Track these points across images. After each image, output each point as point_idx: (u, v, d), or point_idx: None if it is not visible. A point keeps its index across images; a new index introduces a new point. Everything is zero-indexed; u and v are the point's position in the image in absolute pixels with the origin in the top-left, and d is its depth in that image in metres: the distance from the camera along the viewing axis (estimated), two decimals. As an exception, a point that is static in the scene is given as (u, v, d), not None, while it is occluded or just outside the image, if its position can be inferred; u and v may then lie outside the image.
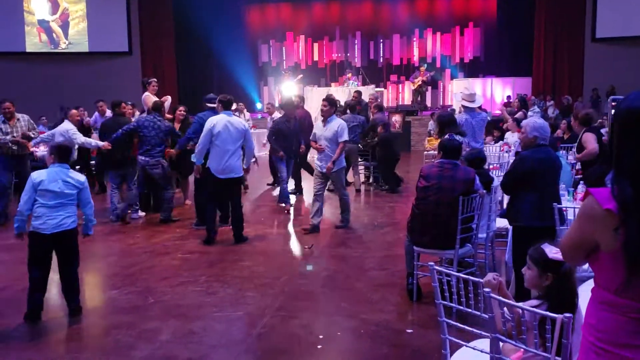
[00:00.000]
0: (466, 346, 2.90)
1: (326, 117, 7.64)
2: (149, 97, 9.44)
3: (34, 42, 20.65)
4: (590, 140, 6.94)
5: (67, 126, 8.53)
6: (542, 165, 4.56)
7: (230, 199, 7.35)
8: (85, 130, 11.06)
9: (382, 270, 6.10)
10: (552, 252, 2.62)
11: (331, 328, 4.62)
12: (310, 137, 8.02)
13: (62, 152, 5.04)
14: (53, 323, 4.84)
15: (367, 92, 17.95)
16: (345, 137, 7.53)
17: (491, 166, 7.73)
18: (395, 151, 10.80)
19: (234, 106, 11.89)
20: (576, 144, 7.50)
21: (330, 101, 7.74)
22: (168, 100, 9.59)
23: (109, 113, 10.32)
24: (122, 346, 4.33)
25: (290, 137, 9.00)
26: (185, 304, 5.20)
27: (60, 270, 5.04)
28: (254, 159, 8.31)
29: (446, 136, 5.82)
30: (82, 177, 5.03)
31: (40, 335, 4.56)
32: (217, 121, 7.05)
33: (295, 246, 7.20)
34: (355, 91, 12.38)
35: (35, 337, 4.53)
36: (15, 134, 8.59)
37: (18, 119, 8.69)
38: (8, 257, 6.83)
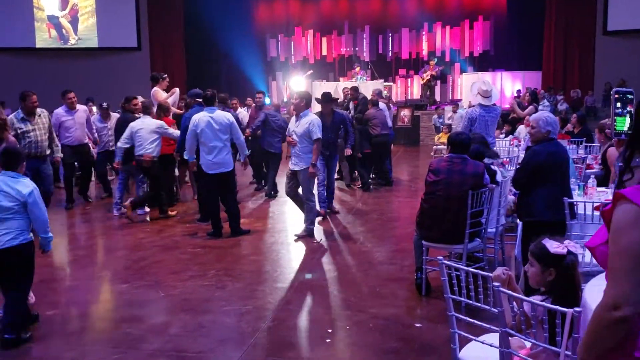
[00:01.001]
0: (475, 340, 2.90)
1: (298, 112, 7.14)
2: (158, 92, 9.47)
3: (44, 37, 20.75)
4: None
5: (154, 122, 8.11)
6: (554, 159, 4.54)
7: (222, 194, 7.31)
8: None
9: (391, 264, 6.10)
10: (554, 246, 2.60)
11: (340, 322, 4.62)
12: (286, 132, 7.57)
13: (8, 158, 4.33)
14: (61, 316, 4.88)
15: (375, 86, 17.95)
16: (318, 134, 6.94)
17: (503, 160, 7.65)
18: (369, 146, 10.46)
19: (248, 101, 11.87)
20: (600, 155, 7.44)
21: (302, 96, 7.25)
22: (176, 92, 9.59)
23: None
24: (132, 339, 4.36)
25: (327, 134, 7.94)
26: (194, 298, 5.22)
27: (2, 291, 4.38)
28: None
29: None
30: (26, 188, 4.26)
31: (49, 328, 4.59)
32: (198, 119, 7.10)
33: (303, 240, 7.21)
34: (351, 87, 12.18)
35: (45, 329, 4.56)
36: (38, 132, 7.59)
37: (39, 115, 7.69)
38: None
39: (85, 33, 20.80)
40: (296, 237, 7.13)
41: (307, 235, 7.16)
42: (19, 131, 7.39)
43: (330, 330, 4.45)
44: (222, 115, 7.21)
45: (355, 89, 11.74)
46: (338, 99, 9.18)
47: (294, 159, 7.14)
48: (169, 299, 5.22)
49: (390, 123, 10.85)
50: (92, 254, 6.93)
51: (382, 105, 10.79)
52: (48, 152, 7.81)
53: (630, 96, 4.18)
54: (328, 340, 4.29)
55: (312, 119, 7.02)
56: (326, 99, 8.47)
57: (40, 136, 7.59)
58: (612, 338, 1.61)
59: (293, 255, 6.56)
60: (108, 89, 16.66)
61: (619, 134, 4.34)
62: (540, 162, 4.54)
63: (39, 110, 7.70)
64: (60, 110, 9.12)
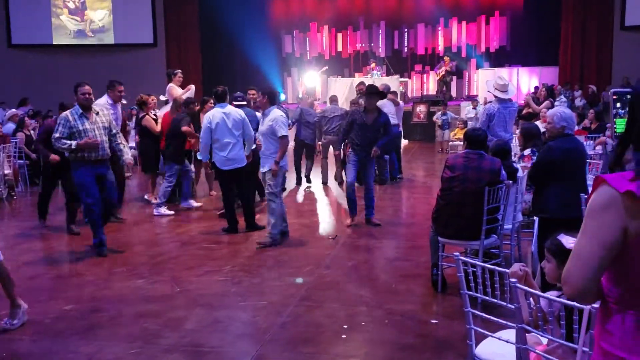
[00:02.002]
0: (492, 336, 2.89)
1: (263, 110, 6.84)
2: (174, 88, 9.51)
3: (60, 34, 20.92)
4: None
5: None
6: (569, 155, 4.50)
7: (238, 189, 7.34)
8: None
9: (406, 261, 6.09)
10: (569, 242, 2.58)
11: (356, 318, 4.62)
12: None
13: None
14: (79, 311, 4.93)
15: (392, 82, 17.89)
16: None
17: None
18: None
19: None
20: None
21: (265, 92, 6.88)
22: (192, 89, 9.63)
23: None
24: (149, 334, 4.39)
25: (364, 132, 7.27)
26: (210, 293, 5.25)
27: None
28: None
29: (528, 150, 5.89)
30: None
31: (66, 324, 4.64)
32: (212, 115, 7.11)
33: (319, 236, 7.21)
34: (360, 82, 12.13)
35: (64, 325, 4.61)
36: (97, 133, 6.39)
37: (97, 112, 6.58)
38: (39, 246, 6.95)
39: (102, 29, 20.95)
40: (259, 246, 6.62)
41: (270, 244, 6.63)
42: (73, 130, 6.30)
43: (346, 326, 4.45)
44: (235, 112, 7.22)
45: (362, 84, 11.63)
46: (388, 92, 8.94)
47: (261, 161, 6.82)
48: (185, 294, 5.25)
49: (395, 119, 10.59)
50: (108, 249, 6.99)
51: (384, 101, 10.50)
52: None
53: (630, 97, 4.13)
54: (344, 336, 4.30)
55: (275, 115, 6.57)
56: (372, 91, 7.43)
57: (101, 136, 6.44)
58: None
59: (309, 251, 6.56)
60: (125, 85, 16.75)
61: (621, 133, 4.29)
62: (554, 159, 4.49)
63: (95, 106, 6.76)
64: (103, 100, 8.16)
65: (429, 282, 5.27)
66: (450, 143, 14.71)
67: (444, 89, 19.72)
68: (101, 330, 4.52)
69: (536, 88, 18.74)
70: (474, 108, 16.01)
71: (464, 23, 22.56)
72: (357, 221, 7.67)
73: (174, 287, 5.43)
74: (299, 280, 5.60)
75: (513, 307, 2.52)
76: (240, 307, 4.93)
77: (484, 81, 14.76)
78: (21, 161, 10.91)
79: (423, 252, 5.97)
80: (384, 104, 10.32)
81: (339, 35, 23.29)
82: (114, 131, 6.63)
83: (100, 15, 20.94)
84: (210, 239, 7.07)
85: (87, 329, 4.53)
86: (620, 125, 4.20)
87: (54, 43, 20.80)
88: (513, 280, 2.46)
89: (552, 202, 4.49)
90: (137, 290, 5.43)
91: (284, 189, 8.78)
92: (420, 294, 5.11)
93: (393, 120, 10.43)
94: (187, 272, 5.85)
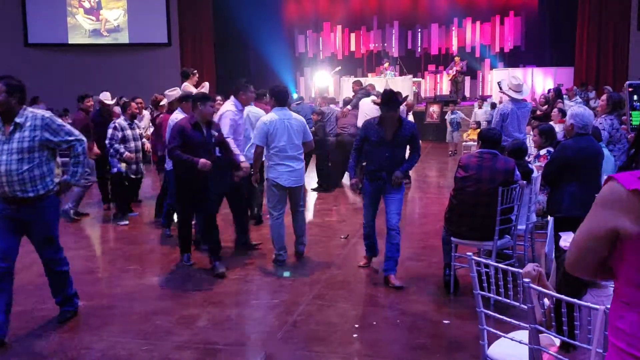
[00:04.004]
0: (504, 337, 2.87)
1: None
2: (188, 87, 9.53)
3: (76, 33, 21.08)
4: None
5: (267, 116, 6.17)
6: (582, 155, 4.47)
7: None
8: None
9: (419, 261, 6.07)
10: (567, 240, 2.55)
11: (367, 317, 4.62)
12: None
13: None
14: (92, 307, 4.96)
15: (404, 82, 17.84)
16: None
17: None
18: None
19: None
20: None
21: (270, 91, 6.28)
22: (205, 87, 9.64)
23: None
24: (161, 331, 4.41)
25: (382, 152, 5.38)
26: (223, 291, 5.26)
27: None
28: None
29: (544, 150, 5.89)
30: None
31: (79, 320, 4.67)
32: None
33: (331, 236, 7.21)
34: (355, 81, 12.00)
35: (76, 321, 4.64)
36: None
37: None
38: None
39: (117, 29, 21.08)
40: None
41: (276, 262, 6.02)
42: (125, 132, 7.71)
43: (357, 326, 4.45)
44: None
45: (358, 83, 11.54)
46: (406, 96, 8.09)
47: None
48: (197, 292, 5.27)
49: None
50: (122, 247, 7.03)
51: (369, 102, 9.94)
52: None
53: None
54: (355, 336, 4.30)
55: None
56: (390, 98, 5.37)
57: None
58: None
59: (321, 250, 6.56)
60: (138, 85, 16.84)
61: (637, 129, 4.25)
62: (568, 157, 4.48)
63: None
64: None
65: (441, 282, 5.25)
66: (464, 144, 14.65)
67: (456, 89, 19.63)
68: (113, 326, 4.55)
69: (549, 90, 18.64)
70: (480, 107, 15.92)
71: (478, 23, 22.44)
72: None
73: (187, 285, 5.45)
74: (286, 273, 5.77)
75: (526, 307, 2.50)
76: (253, 306, 4.95)
77: (495, 81, 14.66)
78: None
79: (436, 252, 5.95)
80: (367, 104, 9.82)
81: (352, 35, 23.25)
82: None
83: (115, 15, 21.07)
84: (224, 238, 7.07)
85: (99, 326, 4.56)
86: (636, 117, 4.15)
87: (69, 42, 20.95)
88: (527, 280, 2.44)
89: (565, 201, 4.48)
90: (150, 288, 5.45)
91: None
92: (432, 295, 5.09)
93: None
94: (200, 270, 5.87)
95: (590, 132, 4.66)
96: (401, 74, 19.49)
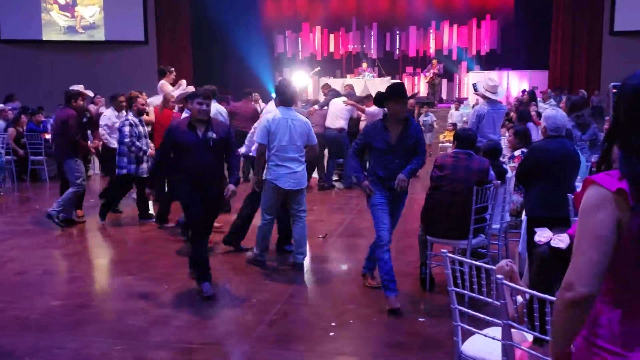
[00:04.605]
0: (478, 333, 2.90)
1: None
2: (165, 85, 9.46)
3: (50, 30, 20.79)
4: None
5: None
6: (551, 156, 4.55)
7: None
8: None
9: (395, 259, 6.02)
10: (541, 236, 2.58)
11: (344, 316, 4.63)
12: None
13: None
14: (66, 307, 4.90)
15: (382, 84, 17.92)
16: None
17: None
18: None
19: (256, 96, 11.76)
20: None
21: (275, 90, 6.18)
22: (182, 85, 9.58)
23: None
24: (137, 331, 4.38)
25: (389, 158, 4.91)
26: (198, 289, 5.23)
27: None
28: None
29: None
30: None
31: (53, 320, 4.61)
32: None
33: (309, 235, 7.20)
34: (324, 85, 12.07)
35: (51, 321, 4.59)
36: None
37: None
38: (27, 242, 6.92)
39: (92, 26, 20.84)
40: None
41: (252, 262, 5.95)
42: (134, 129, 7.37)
43: (334, 324, 4.46)
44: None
45: (327, 86, 11.60)
46: (415, 93, 7.90)
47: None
48: (173, 291, 5.24)
49: (333, 123, 10.01)
50: (96, 246, 6.97)
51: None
52: None
53: (616, 92, 4.17)
54: (332, 334, 4.31)
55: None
56: (396, 90, 4.88)
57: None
58: (569, 321, 1.64)
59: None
60: (114, 82, 16.67)
61: (608, 128, 4.34)
62: (537, 159, 4.59)
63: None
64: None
65: (417, 280, 5.29)
66: (441, 144, 14.76)
67: (432, 91, 19.79)
68: (88, 326, 4.50)
69: (523, 92, 18.89)
70: (457, 110, 16.06)
71: (455, 26, 22.64)
72: (349, 221, 7.65)
73: (162, 285, 5.41)
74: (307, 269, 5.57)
75: (499, 303, 2.54)
76: (229, 305, 4.93)
77: (470, 83, 14.81)
78: (9, 157, 10.83)
79: (412, 251, 5.99)
80: (336, 104, 9.74)
81: (331, 36, 23.30)
82: None
83: (91, 11, 20.82)
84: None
85: (74, 325, 4.51)
86: None
87: (43, 39, 20.65)
88: (499, 276, 2.48)
89: (533, 201, 4.59)
90: (125, 287, 5.41)
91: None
92: (408, 293, 5.12)
93: (338, 122, 9.97)
94: (176, 269, 5.83)
95: (563, 134, 4.74)
96: (379, 75, 19.58)
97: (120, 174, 7.53)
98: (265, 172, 5.70)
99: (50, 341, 4.22)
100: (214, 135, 5.06)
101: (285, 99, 5.71)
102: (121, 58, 20.32)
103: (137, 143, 7.30)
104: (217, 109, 6.93)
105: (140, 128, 7.47)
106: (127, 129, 7.32)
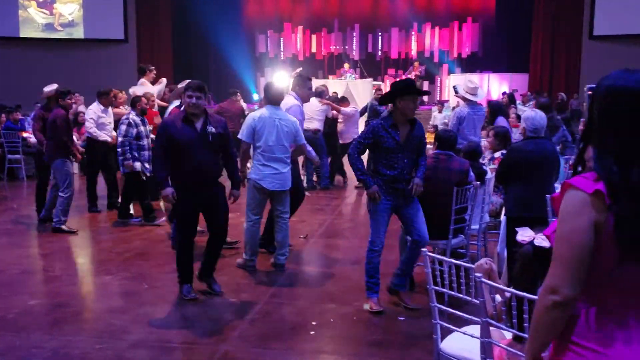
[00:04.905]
0: (457, 331, 2.93)
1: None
2: (145, 84, 9.40)
3: (28, 27, 20.53)
4: None
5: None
6: (528, 157, 4.61)
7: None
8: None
9: (375, 260, 6.12)
10: (523, 235, 2.62)
11: (324, 315, 4.65)
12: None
13: None
14: (45, 306, 4.86)
15: (364, 85, 17.99)
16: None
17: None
18: None
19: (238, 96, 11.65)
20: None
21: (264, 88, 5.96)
22: (163, 82, 9.52)
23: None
24: (116, 330, 4.35)
25: (398, 158, 4.69)
26: (178, 290, 5.20)
27: None
28: None
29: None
30: None
31: (30, 319, 4.57)
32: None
33: (290, 235, 7.21)
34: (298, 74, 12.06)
35: (29, 320, 4.54)
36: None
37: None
38: (4, 241, 6.84)
39: (71, 23, 20.62)
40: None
41: (242, 266, 5.79)
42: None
43: (314, 323, 4.47)
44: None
45: (303, 76, 11.52)
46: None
47: None
48: (153, 291, 5.21)
49: (308, 125, 9.48)
50: (75, 246, 6.90)
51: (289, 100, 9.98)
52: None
53: (590, 93, 4.25)
54: (312, 333, 4.32)
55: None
56: (405, 85, 4.74)
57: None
58: (552, 322, 1.67)
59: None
60: (94, 80, 16.51)
61: (583, 131, 4.41)
62: (513, 159, 4.66)
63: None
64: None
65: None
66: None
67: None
68: (67, 325, 4.46)
69: (504, 94, 19.08)
70: (440, 112, 16.18)
71: (437, 28, 22.81)
72: (330, 222, 7.66)
73: (142, 284, 5.38)
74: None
75: (478, 301, 2.57)
76: (209, 304, 4.91)
77: (451, 85, 14.92)
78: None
79: (392, 251, 6.00)
80: (310, 104, 9.04)
81: (314, 37, 23.33)
82: None
83: (70, 9, 20.59)
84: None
85: (52, 324, 4.47)
86: None
87: (21, 36, 20.37)
88: (478, 274, 2.51)
89: (512, 201, 4.65)
90: (104, 287, 5.37)
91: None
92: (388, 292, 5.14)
93: (313, 124, 9.67)
94: (156, 269, 5.81)
95: (542, 135, 4.80)
96: (361, 77, 19.66)
97: (125, 172, 7.48)
98: (249, 170, 5.66)
99: (27, 340, 4.17)
100: (214, 130, 4.75)
101: (273, 97, 5.59)
102: (101, 56, 20.12)
103: (127, 146, 7.25)
104: None
105: (142, 127, 7.41)
106: (123, 127, 7.27)
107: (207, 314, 4.71)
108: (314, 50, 23.37)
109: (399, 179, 4.64)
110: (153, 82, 9.63)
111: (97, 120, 8.16)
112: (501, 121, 7.56)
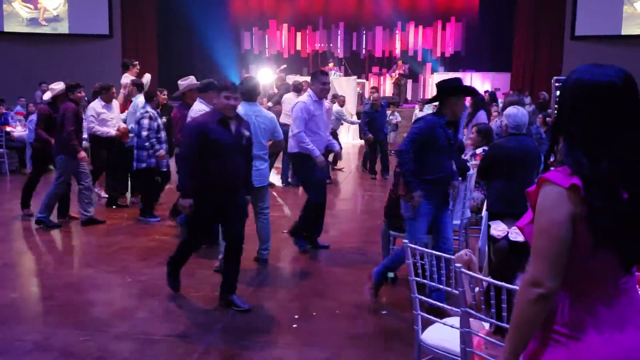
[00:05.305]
0: (438, 322, 2.99)
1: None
2: (128, 79, 9.36)
3: (12, 21, 20.34)
4: None
5: None
6: (509, 154, 4.68)
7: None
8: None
9: (359, 254, 6.18)
10: (497, 229, 2.68)
11: (307, 308, 4.68)
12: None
13: None
14: (27, 299, 4.84)
15: (349, 83, 18.04)
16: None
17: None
18: None
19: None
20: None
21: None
22: (147, 77, 9.48)
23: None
24: (99, 323, 4.35)
25: (447, 159, 4.67)
26: (162, 283, 5.19)
27: None
28: None
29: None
30: None
31: (12, 312, 4.55)
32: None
33: (274, 230, 7.24)
34: (276, 78, 12.13)
35: (10, 313, 4.52)
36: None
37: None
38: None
39: (56, 18, 20.45)
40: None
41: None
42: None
43: (297, 317, 4.51)
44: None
45: (280, 79, 11.85)
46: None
47: None
48: (136, 284, 5.22)
49: (287, 120, 9.30)
50: (57, 240, 6.87)
51: (290, 95, 9.95)
52: None
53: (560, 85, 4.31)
54: (295, 326, 4.35)
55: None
56: (460, 89, 4.66)
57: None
58: (535, 315, 1.70)
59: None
60: (78, 76, 16.39)
61: (553, 122, 4.48)
62: (494, 156, 4.72)
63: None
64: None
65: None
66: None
67: (398, 91, 20.01)
68: (49, 318, 4.46)
69: (486, 92, 19.24)
70: (421, 110, 16.29)
71: (420, 27, 22.93)
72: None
73: (125, 278, 5.38)
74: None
75: (457, 292, 2.62)
76: (193, 298, 4.93)
77: (434, 83, 15.02)
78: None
79: (375, 246, 6.07)
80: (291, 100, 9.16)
81: (298, 35, 23.34)
82: None
83: (54, 4, 20.42)
84: (163, 231, 7.01)
85: (34, 317, 4.47)
86: None
87: (5, 30, 20.17)
88: (458, 265, 2.56)
89: (493, 197, 4.72)
90: (87, 280, 5.36)
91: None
92: (371, 286, 5.19)
93: (290, 119, 9.54)
94: (138, 263, 5.81)
95: (523, 132, 4.87)
96: (346, 74, 19.71)
97: (139, 168, 7.37)
98: None
99: (9, 333, 4.16)
100: (247, 133, 4.59)
101: (249, 94, 5.50)
102: (85, 52, 19.98)
103: (153, 139, 7.18)
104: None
105: (160, 121, 7.38)
106: (145, 121, 7.18)
107: (190, 307, 4.73)
108: (298, 47, 23.39)
109: (443, 181, 4.53)
110: (138, 78, 9.58)
111: (98, 117, 7.98)
112: (482, 115, 7.67)
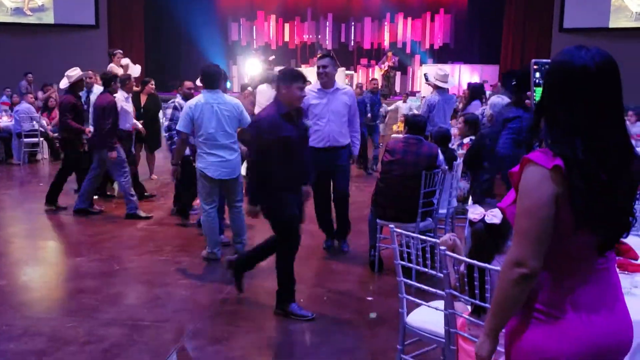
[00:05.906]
0: (423, 304, 3.04)
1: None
2: (114, 69, 9.34)
3: (-3, 11, 20.12)
4: None
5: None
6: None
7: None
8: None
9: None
10: (475, 212, 2.72)
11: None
12: None
13: None
14: (16, 285, 4.85)
15: (337, 75, 18.03)
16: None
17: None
18: None
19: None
20: None
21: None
22: (137, 69, 9.44)
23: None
24: (87, 309, 4.37)
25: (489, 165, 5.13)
26: (150, 271, 5.25)
27: None
28: None
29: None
30: None
31: (2, 299, 4.56)
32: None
33: (263, 220, 7.26)
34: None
35: (0, 300, 4.54)
36: None
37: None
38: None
39: (41, 8, 20.24)
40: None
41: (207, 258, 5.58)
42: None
43: (284, 303, 4.54)
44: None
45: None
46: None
47: None
48: (124, 272, 5.24)
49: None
50: (45, 229, 6.86)
51: (263, 87, 9.62)
52: None
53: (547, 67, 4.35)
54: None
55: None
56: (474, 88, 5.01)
57: None
58: (517, 294, 1.73)
59: (251, 234, 6.59)
60: (64, 66, 16.27)
61: (536, 104, 4.52)
62: (481, 145, 4.75)
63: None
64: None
65: (366, 263, 5.42)
66: (394, 136, 15.00)
67: (387, 83, 20.04)
68: (38, 304, 4.48)
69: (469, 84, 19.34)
70: (405, 102, 16.32)
71: (409, 19, 22.93)
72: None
73: (114, 265, 5.40)
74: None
75: (442, 274, 2.67)
76: (181, 285, 4.96)
77: (422, 74, 15.10)
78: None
79: (362, 235, 6.10)
80: (264, 93, 9.01)
81: (286, 26, 23.26)
82: None
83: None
84: (151, 220, 7.02)
85: (23, 304, 4.48)
86: (538, 93, 4.38)
87: (-12, 21, 19.96)
88: (442, 248, 2.61)
89: (478, 186, 4.76)
90: (75, 267, 5.37)
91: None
92: (358, 274, 5.26)
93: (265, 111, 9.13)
94: (127, 251, 5.83)
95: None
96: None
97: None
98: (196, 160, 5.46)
99: (-2, 320, 4.18)
100: (309, 123, 4.38)
101: (210, 81, 5.32)
102: (71, 42, 19.80)
103: (174, 130, 6.53)
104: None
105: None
106: (169, 111, 6.84)
107: (178, 294, 4.76)
108: (286, 39, 23.31)
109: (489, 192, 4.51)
110: (124, 69, 9.54)
111: (120, 110, 7.43)
112: (476, 104, 7.72)
